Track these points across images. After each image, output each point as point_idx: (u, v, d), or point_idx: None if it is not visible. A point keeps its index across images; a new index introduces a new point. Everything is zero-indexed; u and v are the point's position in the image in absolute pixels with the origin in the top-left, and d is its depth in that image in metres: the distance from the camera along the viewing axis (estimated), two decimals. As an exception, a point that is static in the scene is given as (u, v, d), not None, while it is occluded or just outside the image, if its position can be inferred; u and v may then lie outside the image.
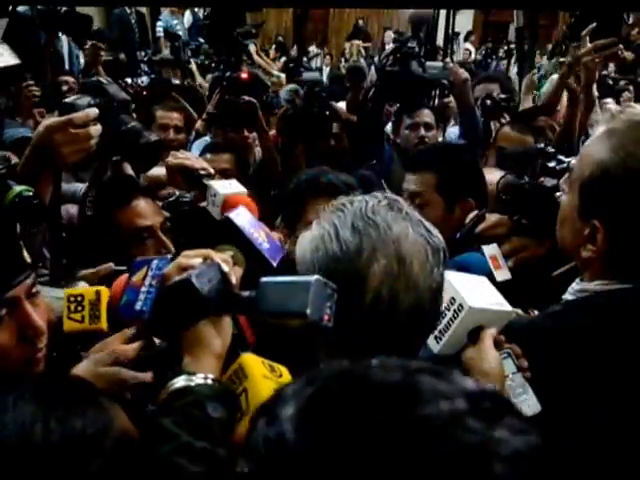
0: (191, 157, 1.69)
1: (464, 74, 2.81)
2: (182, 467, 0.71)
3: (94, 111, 1.31)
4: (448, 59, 3.36)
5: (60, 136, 1.26)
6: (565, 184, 1.20)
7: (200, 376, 0.79)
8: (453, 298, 0.98)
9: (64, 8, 2.94)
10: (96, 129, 1.31)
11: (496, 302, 1.04)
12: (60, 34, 4.05)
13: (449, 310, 0.99)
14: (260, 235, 1.02)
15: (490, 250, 1.54)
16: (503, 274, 1.50)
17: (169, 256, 0.99)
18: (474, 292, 1.01)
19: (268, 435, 0.44)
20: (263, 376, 0.79)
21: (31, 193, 1.21)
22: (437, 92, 2.91)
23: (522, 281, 1.49)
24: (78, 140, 1.28)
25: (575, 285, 1.17)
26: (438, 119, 2.98)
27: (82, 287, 1.14)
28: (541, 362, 1.06)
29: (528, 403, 0.99)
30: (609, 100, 2.76)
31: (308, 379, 0.47)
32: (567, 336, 1.09)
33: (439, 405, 0.41)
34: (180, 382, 0.79)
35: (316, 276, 0.80)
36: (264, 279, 0.84)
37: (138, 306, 0.96)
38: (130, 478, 0.69)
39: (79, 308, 1.08)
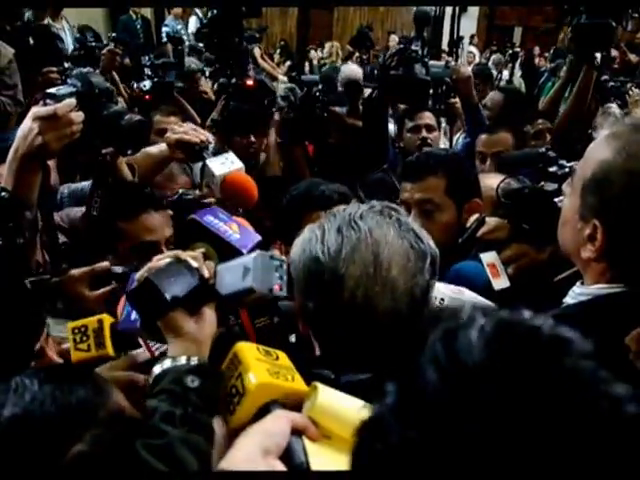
0: (189, 130, 1.68)
1: (467, 72, 2.82)
2: (165, 432, 0.78)
3: (73, 100, 1.37)
4: (451, 59, 3.37)
5: (44, 124, 1.31)
6: (568, 186, 1.20)
7: (183, 358, 0.86)
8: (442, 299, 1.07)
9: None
10: (77, 115, 1.36)
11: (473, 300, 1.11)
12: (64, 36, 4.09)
13: None
14: (230, 227, 1.08)
15: (488, 258, 1.53)
16: (501, 282, 1.49)
17: None
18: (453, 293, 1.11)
19: (454, 348, 0.47)
20: (256, 359, 0.82)
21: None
22: (443, 92, 2.90)
23: (522, 288, 1.48)
24: (60, 126, 1.33)
25: (576, 288, 1.17)
26: (446, 120, 2.98)
27: (82, 320, 1.19)
28: None
29: None
30: (612, 105, 2.76)
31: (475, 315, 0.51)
32: None
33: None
34: (164, 366, 0.87)
35: (256, 252, 0.89)
36: (219, 266, 0.92)
37: (132, 316, 1.01)
38: (122, 446, 0.75)
39: (84, 338, 1.13)
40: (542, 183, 1.55)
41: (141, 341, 1.15)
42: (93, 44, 3.85)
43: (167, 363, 0.87)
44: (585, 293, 1.14)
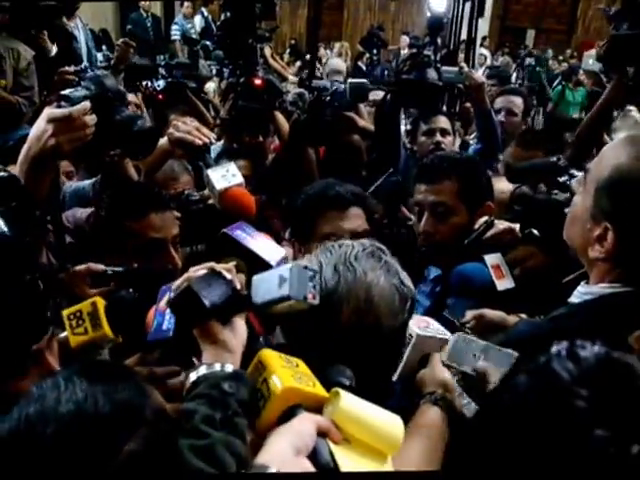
0: (192, 130, 1.67)
1: (480, 78, 2.82)
2: (208, 434, 0.82)
3: (88, 104, 1.39)
4: (464, 63, 3.35)
5: (58, 126, 1.33)
6: (579, 184, 1.22)
7: (217, 365, 0.90)
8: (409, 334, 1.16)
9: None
10: (91, 118, 1.37)
11: (439, 332, 1.20)
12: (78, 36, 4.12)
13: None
14: (257, 242, 1.12)
15: (492, 259, 1.56)
16: (505, 283, 1.53)
17: None
18: (421, 325, 1.20)
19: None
20: (280, 366, 0.86)
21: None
22: (457, 97, 2.88)
23: (528, 289, 1.51)
24: (74, 129, 1.35)
25: (581, 288, 1.20)
26: (461, 124, 2.95)
27: (76, 306, 1.20)
28: None
29: (469, 407, 1.16)
30: (633, 108, 2.72)
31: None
32: (567, 338, 1.09)
33: None
34: (199, 372, 0.90)
35: (292, 263, 0.95)
36: (254, 277, 0.96)
37: (164, 326, 1.03)
38: (166, 445, 0.78)
39: (80, 322, 1.15)
40: (554, 192, 1.57)
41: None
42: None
43: (203, 370, 0.90)
44: (590, 292, 1.16)
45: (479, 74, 3.11)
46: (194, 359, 1.06)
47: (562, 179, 1.57)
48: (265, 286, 0.93)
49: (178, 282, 0.98)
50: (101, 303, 1.18)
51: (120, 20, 8.09)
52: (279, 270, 0.94)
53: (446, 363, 1.11)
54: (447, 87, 2.69)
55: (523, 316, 1.44)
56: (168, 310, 1.02)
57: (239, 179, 1.41)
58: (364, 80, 3.14)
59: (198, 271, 0.97)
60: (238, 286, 0.96)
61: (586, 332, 1.08)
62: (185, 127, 1.67)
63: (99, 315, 1.17)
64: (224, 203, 1.41)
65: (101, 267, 1.47)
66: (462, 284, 1.65)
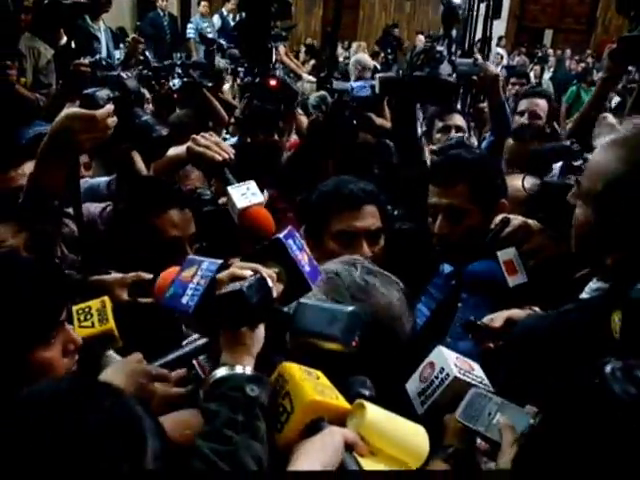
0: (212, 145, 1.64)
1: (495, 70, 2.80)
2: (230, 438, 0.82)
3: (112, 107, 1.43)
4: (479, 55, 3.33)
5: (81, 125, 1.37)
6: (575, 198, 1.19)
7: (239, 368, 0.90)
8: (442, 367, 1.11)
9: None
10: (113, 121, 1.41)
11: (480, 380, 1.13)
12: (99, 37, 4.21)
13: (437, 378, 1.11)
14: (303, 258, 1.10)
15: (505, 255, 1.55)
16: (517, 278, 1.53)
17: (219, 261, 1.03)
18: (463, 367, 1.13)
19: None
20: (302, 378, 0.86)
21: None
22: (472, 96, 2.87)
23: (541, 283, 1.51)
24: (96, 130, 1.39)
25: (592, 284, 1.20)
26: (475, 124, 2.94)
27: (86, 302, 1.28)
28: (546, 358, 1.12)
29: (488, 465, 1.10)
30: (608, 115, 2.73)
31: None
32: (570, 333, 1.12)
33: None
34: (221, 372, 0.90)
35: (352, 307, 0.95)
36: (304, 300, 0.98)
37: (184, 300, 1.00)
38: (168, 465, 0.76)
39: (88, 317, 1.23)
40: (569, 176, 1.54)
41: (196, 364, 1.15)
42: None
43: (223, 370, 0.90)
44: (601, 289, 1.16)
45: (494, 66, 3.09)
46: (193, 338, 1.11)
47: (577, 163, 1.55)
48: (314, 316, 0.94)
49: (223, 275, 0.97)
50: (109, 302, 1.27)
51: (137, 19, 8.16)
52: (335, 308, 0.96)
53: (459, 421, 1.06)
54: (461, 83, 2.68)
55: (536, 309, 1.43)
56: (192, 285, 1.00)
57: (259, 198, 1.41)
58: (392, 74, 3.13)
59: (244, 269, 0.97)
60: (275, 295, 0.96)
61: (594, 329, 1.09)
62: (205, 142, 1.64)
63: (106, 311, 1.24)
64: (244, 221, 1.41)
65: (150, 277, 1.44)
66: (475, 282, 1.65)
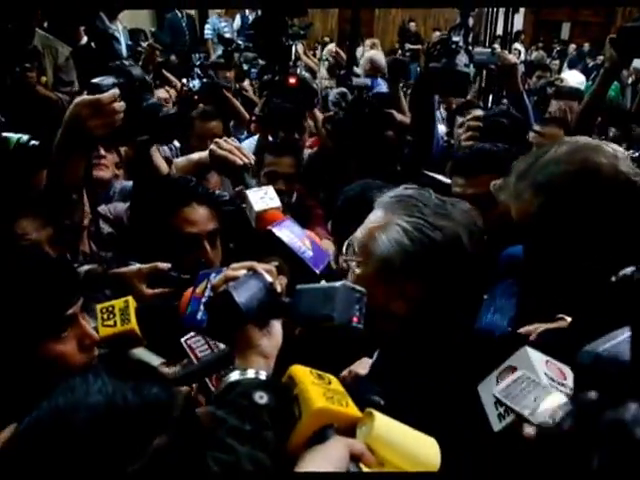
0: (234, 150, 1.67)
1: (513, 59, 2.81)
2: (233, 448, 0.79)
3: (117, 91, 1.47)
4: (497, 44, 3.32)
5: (88, 110, 1.42)
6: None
7: (251, 372, 0.88)
8: (533, 380, 0.92)
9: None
10: (120, 105, 1.46)
11: (570, 390, 0.94)
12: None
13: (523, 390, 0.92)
14: (304, 244, 1.08)
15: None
16: None
17: (225, 269, 1.02)
18: (557, 377, 0.95)
19: None
20: (312, 383, 0.83)
21: (27, 137, 1.46)
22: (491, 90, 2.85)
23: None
24: (104, 115, 1.43)
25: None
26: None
27: (110, 301, 1.30)
28: None
29: None
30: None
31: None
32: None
33: None
34: (232, 377, 0.88)
35: (342, 282, 0.90)
36: (299, 286, 0.93)
37: (199, 316, 1.02)
38: (193, 449, 0.76)
39: (111, 316, 1.25)
40: None
41: (184, 345, 1.19)
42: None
43: (236, 375, 0.88)
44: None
45: (512, 55, 3.09)
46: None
47: None
48: (309, 300, 0.90)
49: (217, 279, 0.95)
50: (132, 302, 1.28)
51: (155, 19, 8.21)
52: (326, 287, 0.91)
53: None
54: (480, 70, 2.67)
55: (568, 318, 1.37)
56: (203, 300, 1.01)
57: (277, 202, 1.42)
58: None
59: (238, 270, 0.94)
60: (278, 289, 0.93)
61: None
62: (227, 146, 1.68)
63: (129, 312, 1.26)
64: (260, 224, 1.41)
65: (167, 266, 1.48)
66: (509, 264, 1.65)
